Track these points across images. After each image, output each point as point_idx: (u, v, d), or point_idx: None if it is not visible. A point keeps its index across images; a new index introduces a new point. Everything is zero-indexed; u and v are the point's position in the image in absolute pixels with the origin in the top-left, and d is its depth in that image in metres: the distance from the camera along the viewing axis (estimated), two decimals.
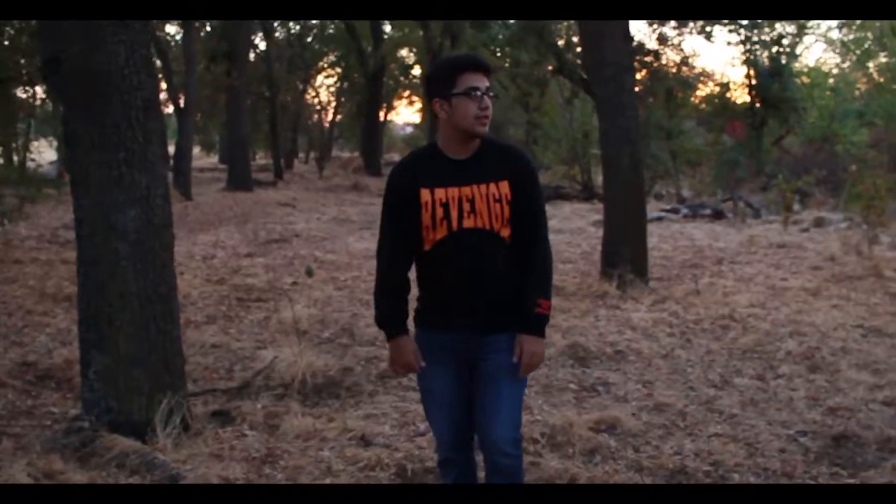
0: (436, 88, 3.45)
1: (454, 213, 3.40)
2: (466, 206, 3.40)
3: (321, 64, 43.00)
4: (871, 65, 36.96)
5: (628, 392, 6.05)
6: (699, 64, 33.80)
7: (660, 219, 18.17)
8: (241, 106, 23.07)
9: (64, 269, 11.11)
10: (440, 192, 3.40)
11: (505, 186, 3.42)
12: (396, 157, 48.77)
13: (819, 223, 16.84)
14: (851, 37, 39.54)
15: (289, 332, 7.85)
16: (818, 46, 59.23)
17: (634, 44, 23.43)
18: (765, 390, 6.16)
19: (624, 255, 10.15)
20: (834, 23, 40.43)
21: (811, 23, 35.64)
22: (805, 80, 33.83)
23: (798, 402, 5.92)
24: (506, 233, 3.44)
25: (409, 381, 6.23)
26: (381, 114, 55.38)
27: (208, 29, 24.25)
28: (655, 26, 24.86)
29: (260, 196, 22.65)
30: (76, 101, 4.94)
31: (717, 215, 18.48)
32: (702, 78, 31.34)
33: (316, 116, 46.73)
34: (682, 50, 23.93)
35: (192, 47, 20.32)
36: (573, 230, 16.14)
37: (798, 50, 42.62)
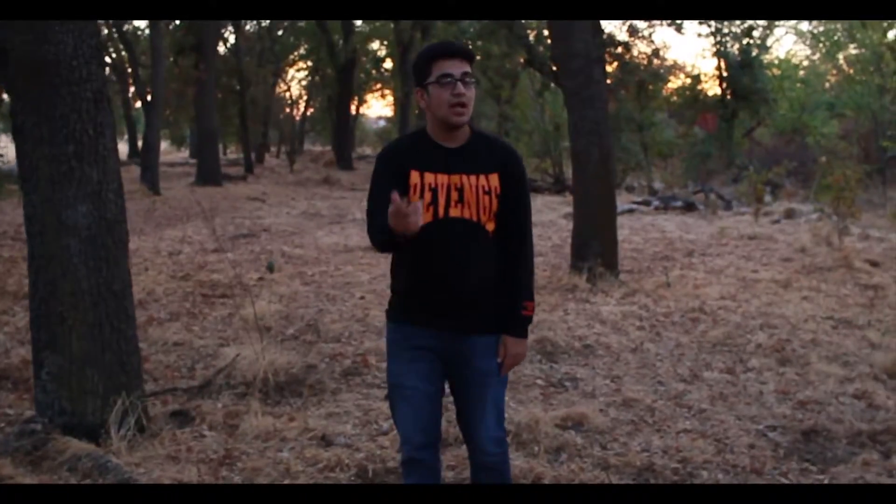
0: (416, 78, 3.38)
1: (441, 200, 3.31)
2: (455, 195, 3.32)
3: (292, 57, 42.75)
4: (840, 56, 37.03)
5: (596, 388, 5.94)
6: (670, 56, 33.52)
7: (631, 211, 18.15)
8: (210, 100, 22.79)
9: (25, 266, 10.91)
10: (429, 177, 3.32)
11: (495, 179, 3.36)
12: (369, 151, 48.74)
13: (790, 215, 16.88)
14: (821, 28, 39.65)
15: (252, 329, 7.75)
16: (789, 38, 59.42)
17: (605, 35, 23.42)
18: (734, 384, 6.09)
19: (594, 248, 10.06)
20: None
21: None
22: (776, 71, 33.94)
23: (768, 395, 5.85)
24: (490, 227, 3.38)
25: (372, 379, 6.14)
26: (354, 107, 55.38)
27: (177, 23, 23.95)
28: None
29: (229, 191, 22.44)
30: (24, 93, 4.78)
31: (689, 207, 18.47)
32: (673, 70, 31.36)
33: (287, 110, 46.53)
34: (652, 42, 23.66)
35: (158, 41, 20.04)
36: (544, 223, 16.08)
37: (769, 42, 42.85)
